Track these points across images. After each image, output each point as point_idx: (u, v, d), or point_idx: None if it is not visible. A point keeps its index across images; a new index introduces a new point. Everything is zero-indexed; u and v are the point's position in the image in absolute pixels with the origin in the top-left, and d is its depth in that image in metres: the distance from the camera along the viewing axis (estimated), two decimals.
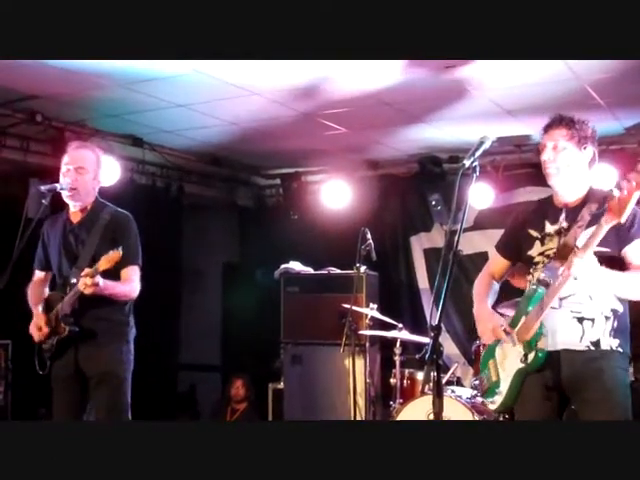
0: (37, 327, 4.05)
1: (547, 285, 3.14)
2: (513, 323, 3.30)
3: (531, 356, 3.17)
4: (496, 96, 5.34)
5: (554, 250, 3.24)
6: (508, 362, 3.31)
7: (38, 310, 4.11)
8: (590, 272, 3.04)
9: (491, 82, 5.00)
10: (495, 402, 3.38)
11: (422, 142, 6.78)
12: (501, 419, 4.87)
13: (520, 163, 6.74)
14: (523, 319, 3.23)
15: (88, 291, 3.73)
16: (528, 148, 6.47)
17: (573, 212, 3.26)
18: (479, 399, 5.20)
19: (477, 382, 3.67)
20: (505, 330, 3.28)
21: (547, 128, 3.31)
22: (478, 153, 2.94)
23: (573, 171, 3.26)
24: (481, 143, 2.98)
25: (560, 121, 3.27)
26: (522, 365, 3.20)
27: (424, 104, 5.56)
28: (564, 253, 3.15)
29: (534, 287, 3.21)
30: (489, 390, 3.44)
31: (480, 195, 6.63)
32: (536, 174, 5.53)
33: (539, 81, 4.80)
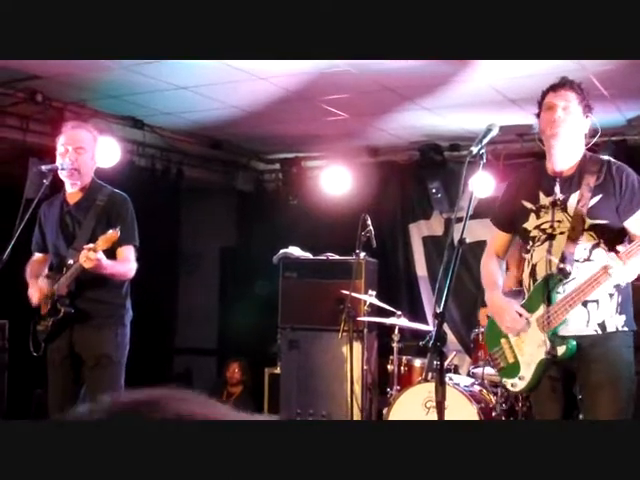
0: (38, 289, 4.03)
1: (568, 274, 3.12)
2: (530, 308, 3.26)
3: (561, 349, 3.13)
4: (500, 84, 5.32)
5: (550, 224, 3.21)
6: (527, 348, 3.28)
7: (36, 280, 4.10)
8: (628, 275, 3.02)
9: (495, 70, 4.98)
10: (516, 386, 3.35)
11: (423, 129, 6.75)
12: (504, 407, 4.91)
13: (521, 152, 6.71)
14: (543, 307, 3.20)
15: (89, 265, 3.68)
16: (530, 137, 6.45)
17: (567, 182, 3.23)
18: (477, 388, 5.21)
19: (488, 358, 3.62)
20: (522, 315, 3.25)
21: (556, 88, 3.23)
22: (485, 141, 2.92)
23: (575, 137, 3.23)
24: (488, 131, 2.96)
25: (571, 84, 3.23)
26: (548, 357, 3.16)
27: (426, 91, 5.53)
28: (574, 236, 3.13)
29: (554, 275, 3.17)
30: (506, 371, 3.40)
31: (481, 184, 6.61)
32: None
33: (543, 71, 4.76)
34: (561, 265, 3.12)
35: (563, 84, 3.23)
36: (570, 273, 3.12)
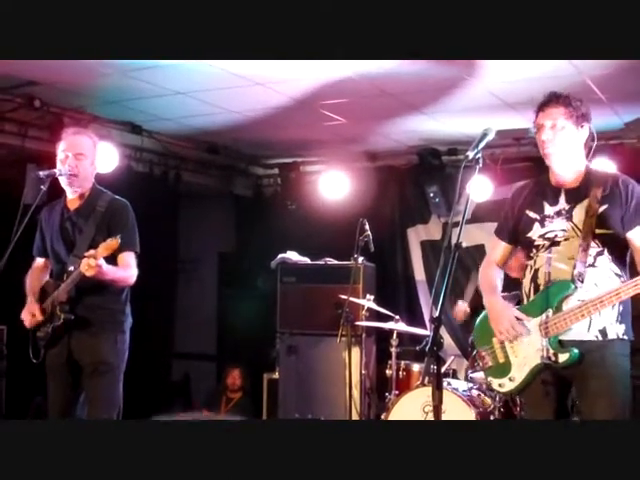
0: (30, 313, 4.03)
1: (582, 281, 3.11)
2: (531, 312, 3.25)
3: (564, 357, 3.12)
4: (497, 89, 5.33)
5: (555, 233, 3.22)
6: (522, 350, 3.26)
7: (33, 299, 4.09)
8: None
9: (492, 75, 4.99)
10: (504, 386, 3.33)
11: (421, 134, 6.76)
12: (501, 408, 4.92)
13: (519, 157, 6.72)
14: (547, 313, 3.17)
15: (90, 273, 3.68)
16: (527, 141, 6.46)
17: (573, 192, 3.24)
18: (475, 392, 5.21)
19: (476, 354, 3.59)
20: (519, 319, 3.24)
21: (543, 106, 3.23)
22: (481, 145, 2.92)
23: (571, 151, 3.24)
24: (484, 135, 2.97)
25: (557, 99, 3.22)
26: (546, 362, 3.14)
27: (424, 95, 5.54)
28: (579, 243, 3.14)
29: (566, 282, 3.16)
30: (494, 370, 3.38)
31: (478, 188, 6.61)
32: (535, 167, 5.53)
33: (541, 75, 4.78)
34: (575, 271, 3.11)
35: (549, 101, 3.23)
36: (583, 280, 3.11)
